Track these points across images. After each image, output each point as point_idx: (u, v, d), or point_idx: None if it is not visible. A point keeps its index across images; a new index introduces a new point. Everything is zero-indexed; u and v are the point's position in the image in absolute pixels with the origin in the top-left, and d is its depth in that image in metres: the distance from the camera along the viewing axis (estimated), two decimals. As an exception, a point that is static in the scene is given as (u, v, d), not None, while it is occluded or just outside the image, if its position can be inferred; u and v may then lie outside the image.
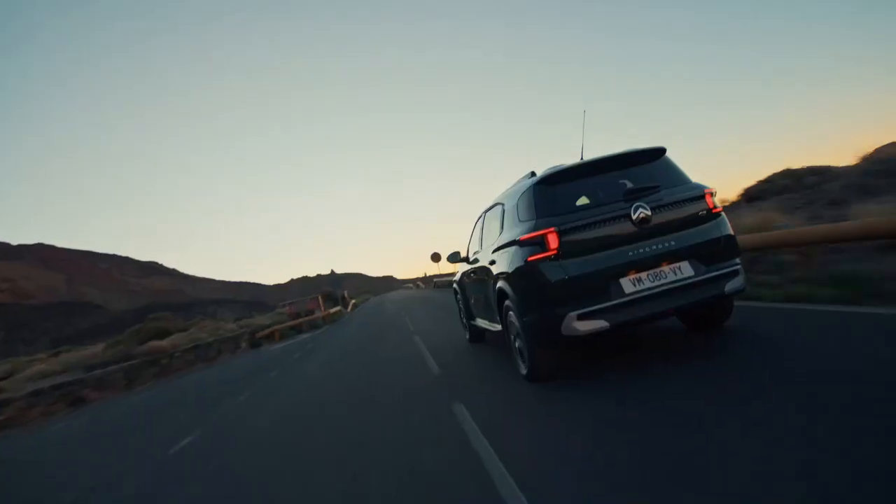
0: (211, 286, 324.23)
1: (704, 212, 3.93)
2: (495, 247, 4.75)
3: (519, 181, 4.73)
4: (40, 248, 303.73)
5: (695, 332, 4.52)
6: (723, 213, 4.04)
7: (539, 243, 3.80)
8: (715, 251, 3.85)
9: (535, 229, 3.87)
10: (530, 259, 3.84)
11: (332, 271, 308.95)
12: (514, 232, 4.26)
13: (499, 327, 4.98)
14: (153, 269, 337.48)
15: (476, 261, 5.71)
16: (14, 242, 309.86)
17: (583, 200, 4.01)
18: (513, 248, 4.18)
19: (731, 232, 4.01)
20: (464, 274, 6.74)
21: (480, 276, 5.48)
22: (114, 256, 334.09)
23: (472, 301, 6.51)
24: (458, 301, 7.51)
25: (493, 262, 4.78)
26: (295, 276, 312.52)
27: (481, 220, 5.76)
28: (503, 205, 4.80)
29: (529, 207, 4.13)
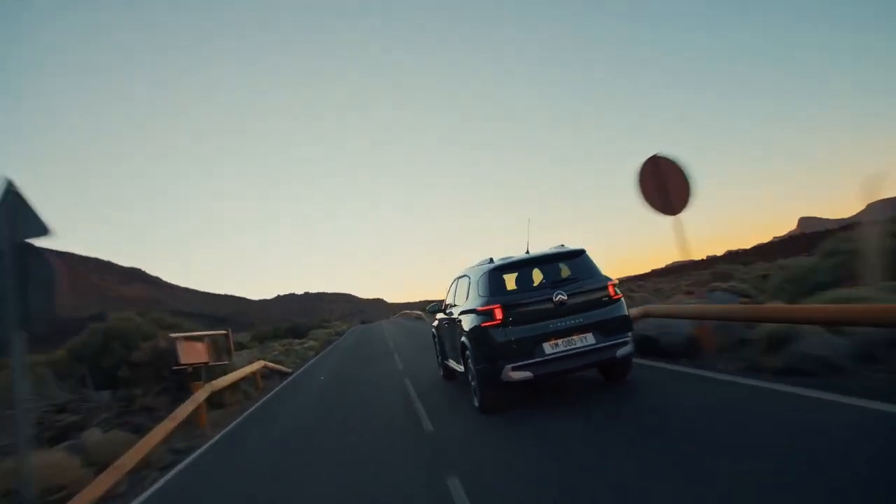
0: (191, 297, 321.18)
1: (607, 298, 5.66)
2: (462, 309, 6.43)
3: (481, 263, 6.52)
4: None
5: (608, 381, 6.28)
6: (621, 299, 5.78)
7: (489, 314, 5.52)
8: (612, 326, 5.51)
9: (487, 304, 5.61)
10: (483, 325, 5.57)
11: (306, 293, 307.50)
12: (474, 302, 5.99)
13: (462, 368, 6.64)
14: (135, 275, 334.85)
15: (451, 314, 7.22)
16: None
17: (511, 286, 5.90)
18: (472, 315, 5.88)
19: (626, 313, 5.74)
20: (441, 322, 8.27)
21: (452, 327, 7.08)
22: (95, 260, 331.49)
23: (446, 345, 8.00)
24: (435, 343, 9.06)
25: (460, 320, 6.43)
26: (282, 293, 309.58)
27: (455, 283, 7.48)
28: (469, 277, 6.54)
29: (485, 286, 5.85)
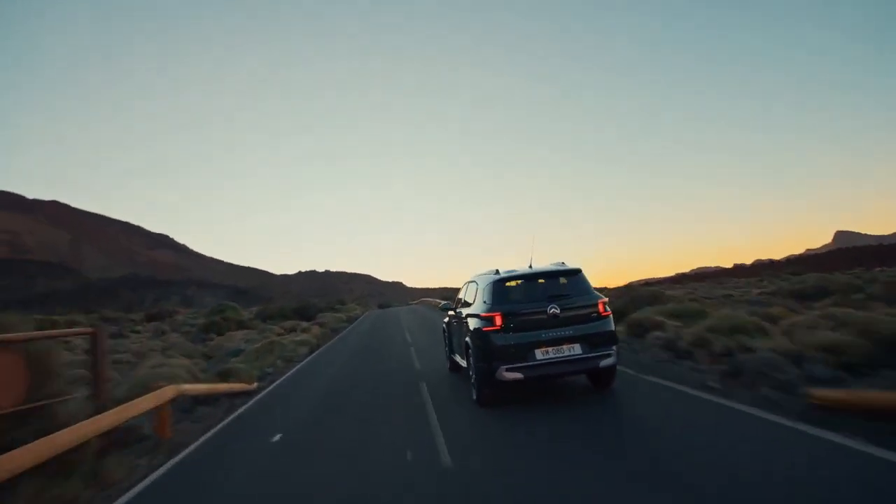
0: (216, 267, 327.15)
1: (596, 314, 6.12)
2: (469, 312, 6.98)
3: (489, 272, 7.04)
4: (53, 205, 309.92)
5: (595, 388, 6.71)
6: (609, 316, 6.25)
7: (490, 320, 6.09)
8: (598, 340, 6.00)
9: (489, 311, 6.17)
10: (484, 329, 6.13)
11: (327, 271, 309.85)
12: (479, 307, 6.52)
13: (465, 364, 7.22)
14: (163, 241, 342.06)
15: (460, 314, 7.69)
16: (29, 196, 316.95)
17: (512, 297, 6.35)
18: (477, 318, 6.43)
19: (612, 329, 6.21)
20: (451, 319, 8.80)
21: (459, 326, 7.64)
22: (125, 224, 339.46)
23: (454, 341, 8.54)
24: (444, 338, 9.63)
25: (466, 322, 6.98)
26: (303, 269, 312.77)
27: (465, 287, 8.11)
28: (477, 284, 7.13)
29: (489, 295, 6.39)
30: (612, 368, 6.24)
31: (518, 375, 5.86)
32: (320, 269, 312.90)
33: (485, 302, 6.44)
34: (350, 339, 19.65)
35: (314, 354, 15.06)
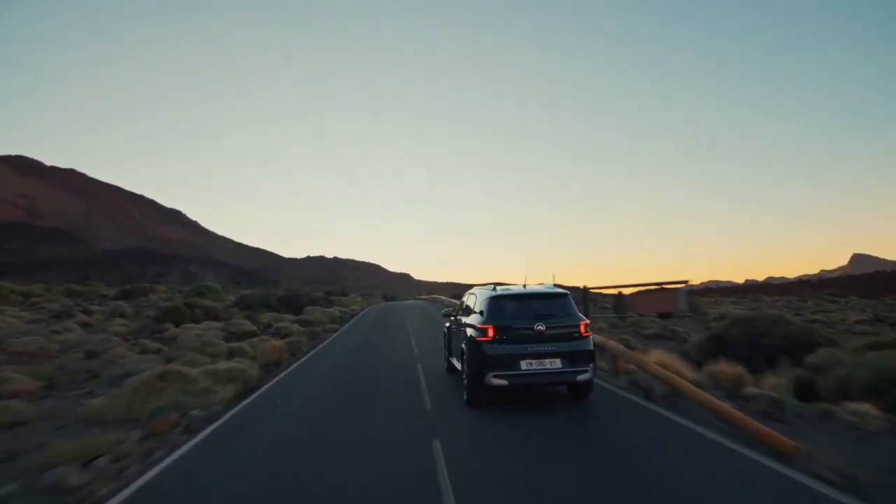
0: (225, 245, 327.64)
1: (577, 334, 6.95)
2: (467, 321, 7.67)
3: (487, 286, 7.93)
4: (70, 173, 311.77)
5: (572, 399, 7.51)
6: (589, 336, 7.08)
7: (484, 331, 6.88)
8: (577, 357, 6.82)
9: (484, 323, 6.96)
10: (478, 339, 6.94)
11: (336, 257, 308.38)
12: (476, 319, 7.29)
13: (460, 367, 7.98)
14: (174, 217, 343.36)
15: (459, 321, 8.43)
16: (48, 163, 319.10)
17: (505, 312, 7.11)
18: (473, 329, 7.20)
19: (591, 348, 7.05)
20: (451, 325, 9.44)
21: (458, 332, 8.38)
22: (139, 197, 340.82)
23: (452, 345, 9.28)
24: (444, 341, 10.36)
25: (464, 330, 7.70)
26: (312, 254, 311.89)
27: (466, 297, 8.87)
28: (476, 297, 7.91)
29: (486, 308, 7.17)
30: (588, 383, 7.06)
31: (504, 382, 6.68)
32: (329, 256, 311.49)
33: (481, 314, 7.20)
34: (325, 364, 12.13)
35: (228, 416, 7.33)
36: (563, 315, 7.00)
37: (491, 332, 6.78)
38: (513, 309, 7.04)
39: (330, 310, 28.55)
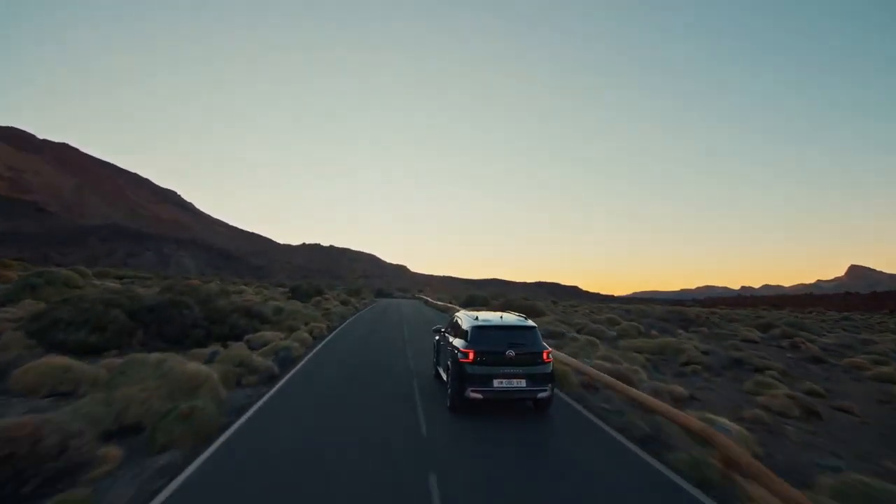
0: (219, 228, 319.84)
1: (540, 359, 8.56)
2: (454, 344, 9.16)
3: (471, 316, 9.55)
4: (63, 147, 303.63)
5: (536, 410, 9.10)
6: (550, 362, 8.68)
7: (466, 354, 8.46)
8: (539, 378, 8.48)
9: (467, 347, 8.54)
10: (461, 360, 8.51)
11: (332, 246, 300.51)
12: (461, 343, 8.87)
13: (446, 379, 9.49)
14: (169, 197, 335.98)
15: (446, 338, 10.20)
16: (40, 136, 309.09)
17: (484, 338, 8.69)
18: (458, 351, 8.75)
19: (550, 371, 8.65)
20: (440, 338, 11.19)
21: (446, 347, 9.99)
22: (134, 175, 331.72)
23: (440, 358, 10.98)
24: (434, 352, 11.95)
25: (451, 348, 9.27)
26: (308, 241, 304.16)
27: (455, 318, 10.39)
28: (462, 322, 9.48)
29: (469, 335, 8.75)
30: (547, 399, 8.68)
31: (479, 396, 8.30)
32: (325, 244, 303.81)
33: (465, 339, 8.79)
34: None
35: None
36: (530, 344, 8.64)
37: (472, 356, 8.39)
38: (490, 337, 8.63)
39: (300, 329, 17.20)
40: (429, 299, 51.46)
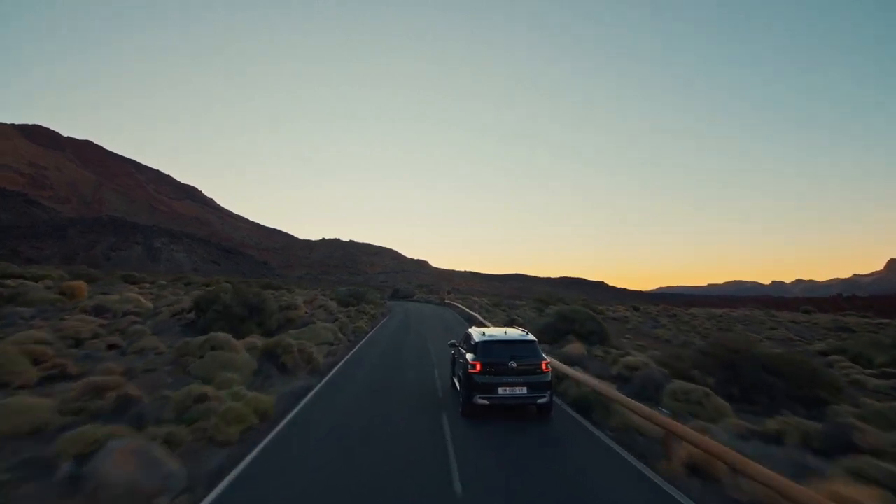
0: (239, 224, 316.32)
1: (539, 369, 9.82)
2: (465, 356, 10.48)
3: (480, 331, 10.98)
4: (86, 144, 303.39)
5: (538, 414, 10.19)
6: (549, 371, 9.92)
7: (474, 366, 9.75)
8: (538, 386, 9.74)
9: (475, 360, 9.84)
10: (469, 371, 9.81)
11: (351, 241, 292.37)
12: (469, 356, 10.18)
13: (459, 387, 10.85)
14: (189, 193, 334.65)
15: (461, 351, 11.39)
16: (64, 133, 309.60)
17: (490, 351, 10.07)
18: (467, 363, 10.02)
19: (549, 380, 9.88)
20: (455, 351, 12.44)
21: (460, 360, 11.19)
22: (155, 171, 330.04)
23: (456, 369, 12.22)
24: (452, 364, 13.09)
25: (463, 359, 10.54)
26: (327, 237, 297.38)
27: (466, 333, 11.74)
28: (473, 337, 10.72)
29: (477, 349, 10.04)
30: (547, 405, 9.90)
31: (486, 402, 9.54)
32: (345, 239, 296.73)
33: (474, 352, 10.01)
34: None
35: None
36: (531, 355, 9.91)
37: (479, 367, 9.61)
38: (495, 350, 9.91)
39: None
40: (476, 315, 33.65)
